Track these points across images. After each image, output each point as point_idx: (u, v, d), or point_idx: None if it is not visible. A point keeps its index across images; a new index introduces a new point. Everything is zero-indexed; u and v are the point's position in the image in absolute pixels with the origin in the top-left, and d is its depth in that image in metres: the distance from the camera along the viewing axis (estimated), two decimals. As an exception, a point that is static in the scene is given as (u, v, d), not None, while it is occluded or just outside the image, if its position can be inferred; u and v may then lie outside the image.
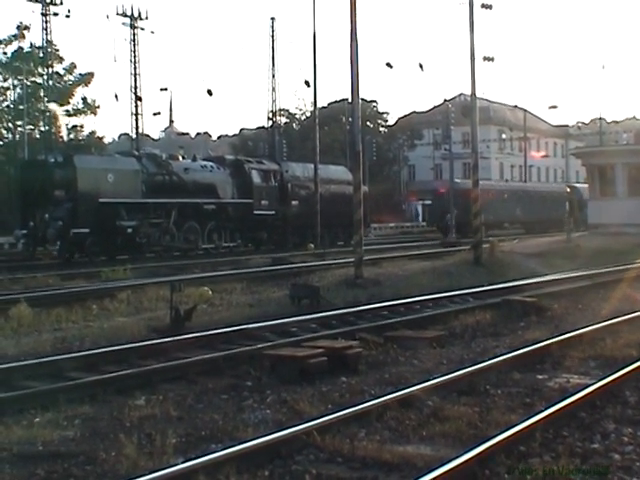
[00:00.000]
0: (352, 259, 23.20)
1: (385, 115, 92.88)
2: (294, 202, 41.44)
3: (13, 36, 61.26)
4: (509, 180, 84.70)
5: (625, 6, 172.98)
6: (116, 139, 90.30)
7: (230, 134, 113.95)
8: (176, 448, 7.30)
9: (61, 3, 55.16)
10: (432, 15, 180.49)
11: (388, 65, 43.03)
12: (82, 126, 65.45)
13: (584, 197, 60.83)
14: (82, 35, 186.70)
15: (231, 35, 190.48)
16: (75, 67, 63.80)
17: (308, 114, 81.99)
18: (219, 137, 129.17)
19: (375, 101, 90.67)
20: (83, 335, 13.78)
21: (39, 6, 54.92)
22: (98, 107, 65.56)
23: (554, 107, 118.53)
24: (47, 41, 56.50)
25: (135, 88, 57.36)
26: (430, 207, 62.49)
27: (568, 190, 68.22)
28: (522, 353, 11.23)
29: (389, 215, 74.33)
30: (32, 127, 61.00)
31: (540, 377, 10.29)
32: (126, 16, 56.70)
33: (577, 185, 72.17)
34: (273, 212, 39.73)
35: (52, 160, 31.78)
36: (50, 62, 57.73)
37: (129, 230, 32.40)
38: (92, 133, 65.85)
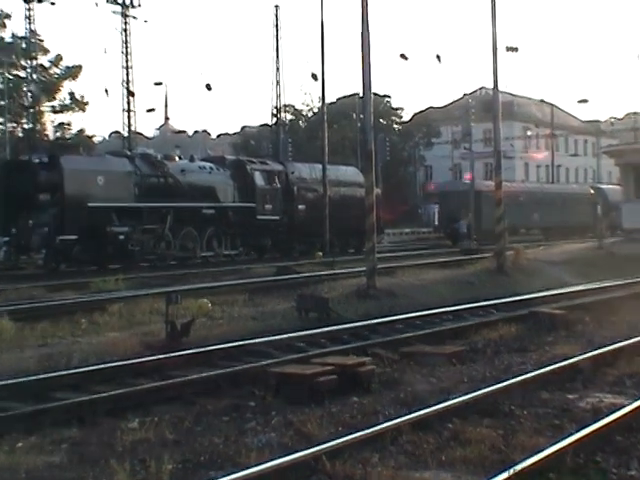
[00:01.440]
0: (364, 268, 23.19)
1: (399, 111, 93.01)
2: (301, 206, 41.46)
3: (-7, 25, 61.47)
4: (525, 180, 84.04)
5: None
6: (106, 138, 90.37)
7: (231, 132, 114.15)
8: (172, 475, 7.30)
9: (46, -11, 55.37)
10: (450, 2, 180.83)
11: (403, 57, 42.70)
12: (69, 124, 65.62)
13: (610, 199, 60.66)
14: (69, 25, 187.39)
15: (232, 25, 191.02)
16: (61, 59, 63.98)
17: (315, 110, 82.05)
18: (219, 136, 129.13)
19: (388, 96, 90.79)
20: (71, 351, 13.78)
21: (21, -7, 55.15)
22: (87, 103, 65.62)
23: (584, 101, 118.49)
24: (30, 31, 56.67)
25: (127, 82, 57.46)
26: (438, 211, 61.79)
27: (592, 192, 67.91)
28: (550, 370, 11.21)
29: (404, 220, 74.27)
30: (15, 124, 61.14)
31: (570, 397, 10.27)
32: (117, 4, 56.76)
33: (602, 186, 71.90)
34: (278, 217, 39.76)
35: (37, 161, 31.79)
36: (34, 54, 57.87)
37: (121, 237, 32.41)
38: (80, 131, 65.99)
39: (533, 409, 9.59)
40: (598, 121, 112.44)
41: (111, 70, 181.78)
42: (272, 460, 7.27)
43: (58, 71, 63.99)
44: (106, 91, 74.04)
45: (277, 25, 62.64)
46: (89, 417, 9.53)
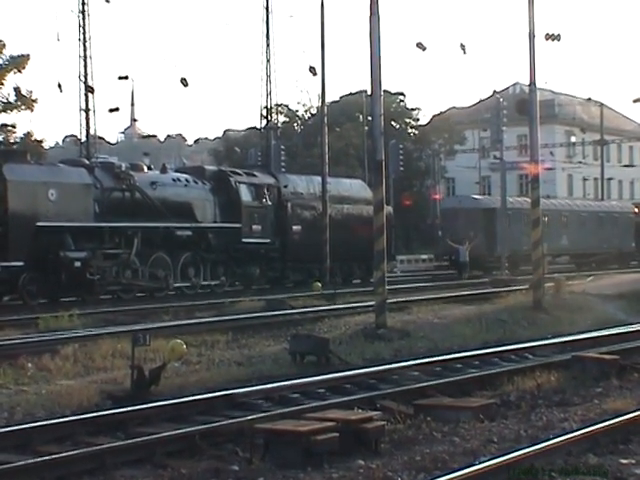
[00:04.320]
0: (372, 302, 23.20)
1: (415, 112, 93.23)
2: (295, 227, 41.50)
3: None
4: (550, 196, 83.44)
5: None
6: (60, 143, 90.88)
7: (211, 137, 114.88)
8: None
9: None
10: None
11: (420, 46, 42.93)
12: (14, 125, 65.61)
13: None
14: (14, 5, 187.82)
15: (212, 7, 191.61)
16: (4, 47, 64.10)
17: (314, 111, 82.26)
18: (196, 141, 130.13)
19: (402, 94, 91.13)
20: (13, 403, 13.76)
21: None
22: (35, 100, 65.56)
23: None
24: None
25: (85, 76, 57.57)
26: (441, 232, 60.94)
27: (636, 210, 67.61)
28: (600, 429, 11.17)
29: (421, 244, 74.30)
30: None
31: (625, 462, 10.22)
32: (73, -19, 57.03)
33: None
34: (268, 240, 39.77)
35: (-26, 171, 31.83)
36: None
37: (77, 264, 32.38)
38: (28, 135, 65.98)
39: (579, 477, 9.55)
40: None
41: (65, 61, 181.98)
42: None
43: (0, 61, 64.11)
44: (59, 86, 73.53)
45: (267, 7, 62.73)
46: (36, 484, 9.51)
